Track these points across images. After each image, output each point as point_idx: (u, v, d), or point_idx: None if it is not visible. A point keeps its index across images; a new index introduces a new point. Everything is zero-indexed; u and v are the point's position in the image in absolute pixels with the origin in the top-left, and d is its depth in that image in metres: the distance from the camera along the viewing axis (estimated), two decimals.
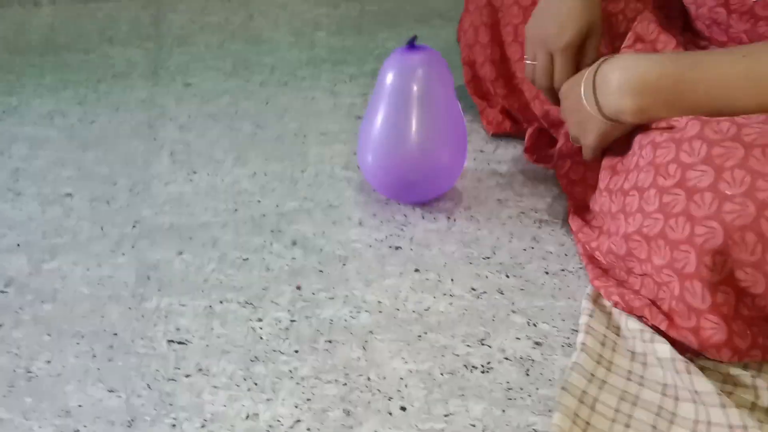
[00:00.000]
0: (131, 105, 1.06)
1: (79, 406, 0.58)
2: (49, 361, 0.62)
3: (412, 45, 0.75)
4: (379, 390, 0.60)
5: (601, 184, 0.71)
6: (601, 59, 0.66)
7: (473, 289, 0.71)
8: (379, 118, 0.76)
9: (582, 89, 0.67)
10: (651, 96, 0.62)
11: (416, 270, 0.73)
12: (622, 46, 0.78)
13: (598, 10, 0.74)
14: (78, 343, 0.64)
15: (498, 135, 0.98)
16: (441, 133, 0.77)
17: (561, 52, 0.73)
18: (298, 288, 0.70)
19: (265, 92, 1.10)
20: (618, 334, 0.64)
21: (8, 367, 0.62)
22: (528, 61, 0.78)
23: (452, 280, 0.72)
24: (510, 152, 0.94)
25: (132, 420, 0.57)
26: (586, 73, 0.67)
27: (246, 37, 1.31)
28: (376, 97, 0.77)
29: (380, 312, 0.68)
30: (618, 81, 0.63)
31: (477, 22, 0.94)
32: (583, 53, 0.74)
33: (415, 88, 0.74)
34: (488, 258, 0.75)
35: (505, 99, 0.96)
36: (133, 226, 0.79)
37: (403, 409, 0.59)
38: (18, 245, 0.77)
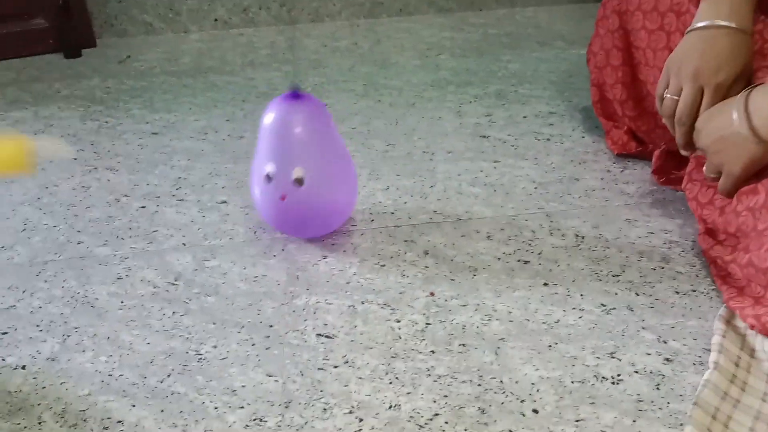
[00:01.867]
0: None
1: (243, 386, 0.66)
2: (215, 346, 0.71)
3: (295, 94, 0.78)
4: (512, 392, 0.64)
5: (740, 207, 0.71)
6: (750, 86, 0.67)
7: (602, 305, 0.73)
8: (263, 159, 0.80)
9: (734, 115, 0.67)
10: None
11: (545, 284, 0.77)
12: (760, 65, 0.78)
13: (752, 50, 0.74)
14: (239, 332, 0.72)
15: (623, 155, 0.99)
16: (330, 174, 0.80)
17: (715, 88, 0.72)
18: (432, 295, 0.76)
19: (395, 113, 1.17)
20: (752, 356, 0.64)
21: (181, 349, 0.71)
22: (669, 95, 0.77)
23: (581, 295, 0.75)
24: (638, 173, 0.95)
25: (288, 402, 0.64)
26: (736, 100, 0.68)
27: (374, 60, 1.39)
28: (260, 137, 0.80)
29: (510, 321, 0.72)
30: None
31: (608, 45, 0.96)
32: (729, 91, 0.73)
33: (296, 131, 0.77)
34: (617, 276, 0.77)
35: (632, 120, 0.97)
36: (282, 232, 0.88)
37: (535, 411, 0.62)
38: (183, 245, 0.87)
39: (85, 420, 0.63)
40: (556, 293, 0.75)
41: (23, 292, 0.80)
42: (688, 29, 0.77)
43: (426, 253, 0.82)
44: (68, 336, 0.73)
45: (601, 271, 0.78)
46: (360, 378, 0.66)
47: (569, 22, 1.54)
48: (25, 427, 0.63)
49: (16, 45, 1.50)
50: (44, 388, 0.67)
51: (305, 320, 0.73)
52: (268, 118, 0.79)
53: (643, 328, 0.70)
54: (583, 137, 1.06)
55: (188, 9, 1.59)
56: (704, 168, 0.74)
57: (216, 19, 1.60)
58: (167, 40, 1.56)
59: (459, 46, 1.44)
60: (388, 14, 1.63)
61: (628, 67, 0.95)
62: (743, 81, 0.74)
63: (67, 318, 0.76)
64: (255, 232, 0.88)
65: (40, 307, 0.77)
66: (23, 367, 0.70)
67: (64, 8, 1.48)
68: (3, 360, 0.71)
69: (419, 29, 1.54)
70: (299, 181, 0.78)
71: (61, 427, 0.63)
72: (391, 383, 0.65)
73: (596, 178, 0.95)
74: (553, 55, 1.36)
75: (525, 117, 1.13)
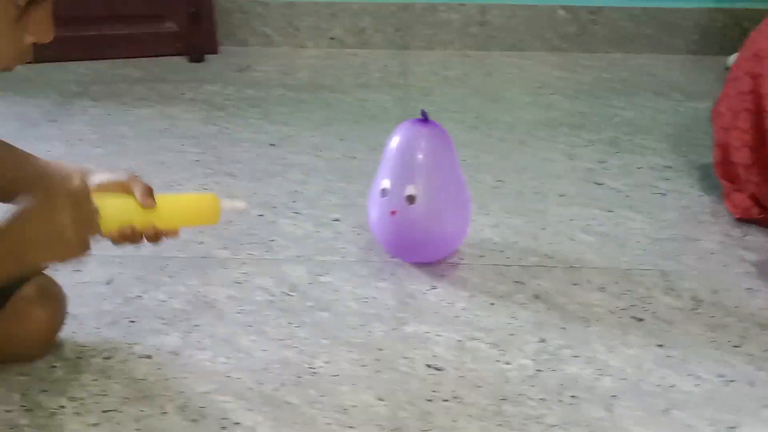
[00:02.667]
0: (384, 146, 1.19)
1: (354, 406, 0.68)
2: (327, 362, 0.73)
3: (424, 118, 0.82)
4: None
5: None
6: None
7: (721, 375, 0.71)
8: (382, 175, 0.83)
9: None
10: None
11: (659, 345, 0.75)
12: None
13: None
14: (350, 352, 0.74)
15: (744, 220, 0.96)
16: (442, 199, 0.82)
17: None
18: (542, 341, 0.75)
19: (505, 148, 1.18)
20: None
21: (295, 361, 0.73)
22: None
23: (698, 362, 0.73)
24: (760, 241, 0.92)
25: (398, 429, 0.65)
26: None
27: (485, 93, 1.41)
28: (384, 158, 0.84)
29: (623, 379, 0.71)
30: None
31: (737, 107, 0.94)
32: None
33: (420, 156, 0.80)
34: (737, 347, 0.75)
35: (757, 186, 0.95)
36: (392, 256, 0.89)
37: None
38: (298, 257, 0.90)
39: (204, 417, 0.66)
40: (671, 356, 0.74)
41: (149, 284, 0.85)
42: None
43: (536, 297, 0.83)
44: (189, 333, 0.77)
45: (719, 339, 0.76)
46: (469, 416, 0.67)
47: (686, 73, 1.51)
48: (149, 415, 0.67)
49: (147, 45, 1.59)
50: (167, 380, 0.71)
51: (414, 348, 0.75)
52: (394, 141, 0.82)
53: (765, 406, 0.67)
54: (701, 196, 1.04)
55: (307, 26, 1.65)
56: None
57: (332, 38, 1.66)
58: (284, 53, 1.62)
59: (571, 87, 1.43)
60: (500, 48, 1.64)
61: (758, 132, 0.93)
62: None
63: (189, 315, 0.80)
64: (366, 254, 0.90)
65: (164, 301, 0.82)
66: (149, 357, 0.74)
67: (194, 14, 1.56)
68: (130, 347, 0.75)
69: (530, 66, 1.55)
70: (411, 199, 0.80)
71: (182, 419, 0.66)
72: (500, 425, 0.66)
73: (715, 241, 0.93)
74: (669, 107, 1.34)
75: (640, 168, 1.12)
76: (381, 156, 1.15)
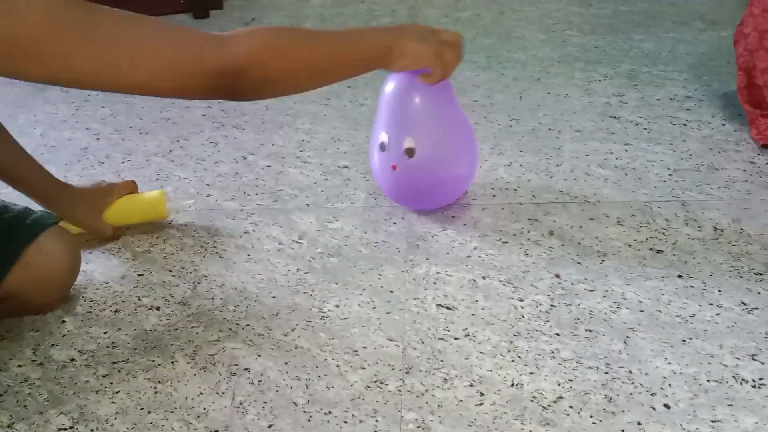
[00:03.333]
0: None
1: (364, 347, 0.67)
2: (337, 305, 0.72)
3: None
4: (641, 384, 0.61)
5: None
6: None
7: (744, 303, 0.68)
8: (380, 126, 0.79)
9: None
10: None
11: (679, 276, 0.72)
12: None
13: None
14: (360, 294, 0.73)
15: None
16: (444, 147, 0.78)
17: None
18: (557, 276, 0.73)
19: (519, 86, 1.14)
20: None
21: (305, 306, 0.72)
22: None
23: (719, 291, 0.70)
24: None
25: (409, 368, 0.64)
26: None
27: (497, 32, 1.36)
28: (380, 106, 0.79)
29: (641, 311, 0.69)
30: None
31: (764, 26, 0.89)
32: None
33: (414, 101, 0.76)
34: (761, 275, 0.72)
35: None
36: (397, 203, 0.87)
37: (667, 406, 0.59)
38: (307, 205, 0.88)
39: (214, 364, 0.66)
40: (692, 286, 0.71)
41: (156, 237, 0.84)
42: None
43: (551, 233, 0.80)
44: (198, 283, 0.77)
45: (743, 267, 0.73)
46: (481, 353, 0.65)
47: (709, 1, 1.43)
48: (159, 365, 0.67)
49: (149, 4, 1.56)
50: (176, 330, 0.71)
51: (425, 289, 0.73)
52: (389, 86, 0.79)
53: None
54: (724, 125, 0.99)
55: None
56: None
57: None
58: (290, 3, 1.58)
59: (588, 22, 1.37)
60: None
61: None
62: None
63: (198, 266, 0.79)
64: (375, 199, 0.88)
65: (172, 254, 0.81)
66: (157, 309, 0.74)
67: None
68: (139, 299, 0.75)
69: (545, 3, 1.49)
70: (410, 152, 0.77)
71: (192, 368, 0.66)
72: (513, 361, 0.64)
73: (738, 169, 0.89)
74: (690, 36, 1.28)
75: (659, 100, 1.07)
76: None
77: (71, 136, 1.08)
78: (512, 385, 0.62)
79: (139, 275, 0.78)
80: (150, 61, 0.56)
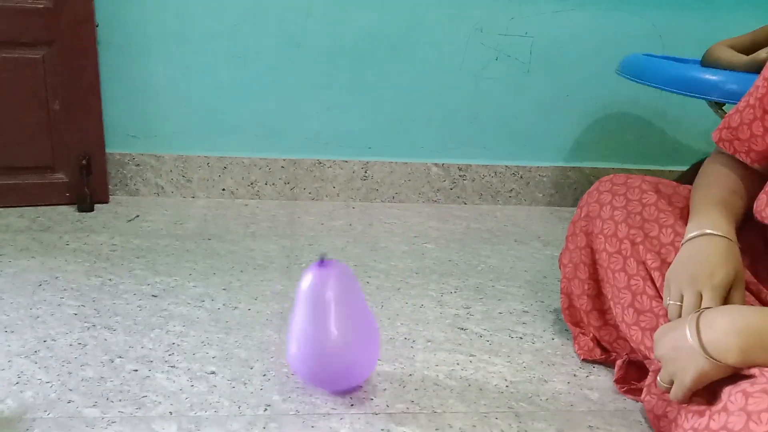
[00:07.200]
0: (267, 295, 1.24)
1: None
2: None
3: (321, 262, 0.91)
4: None
5: (686, 424, 0.78)
6: (702, 308, 0.77)
7: None
8: (300, 319, 0.91)
9: (687, 330, 0.76)
10: (754, 338, 0.71)
11: None
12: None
13: (739, 257, 0.85)
14: None
15: (589, 361, 1.07)
16: (350, 331, 0.91)
17: (711, 289, 0.81)
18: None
19: (381, 296, 1.26)
20: None
21: None
22: (672, 302, 0.85)
23: None
24: (602, 380, 1.02)
25: None
26: (691, 317, 0.77)
27: (366, 242, 1.51)
28: (297, 301, 0.92)
29: None
30: (725, 324, 0.72)
31: (576, 259, 1.08)
32: (728, 298, 0.82)
33: (328, 294, 0.90)
34: None
35: (597, 330, 1.07)
36: (265, 410, 0.92)
37: None
38: (170, 413, 0.91)
39: None
40: None
41: None
42: (682, 242, 0.88)
43: None
44: None
45: None
46: None
47: (545, 224, 1.69)
48: None
49: (34, 195, 1.61)
50: None
51: None
52: (306, 283, 0.91)
53: None
54: (553, 339, 1.14)
55: (199, 177, 1.73)
56: (659, 376, 0.81)
57: (224, 189, 1.74)
58: (175, 203, 1.68)
59: (444, 236, 1.57)
60: (382, 200, 1.78)
61: (594, 282, 1.06)
62: (741, 284, 0.83)
63: None
64: (239, 407, 0.92)
65: None
66: None
67: (86, 167, 1.61)
68: None
69: (409, 216, 1.69)
70: (329, 333, 0.89)
71: None
72: None
73: (563, 381, 1.02)
74: (528, 254, 1.49)
75: (500, 313, 1.22)
76: (264, 305, 1.20)
77: None
78: None
79: None
80: None
